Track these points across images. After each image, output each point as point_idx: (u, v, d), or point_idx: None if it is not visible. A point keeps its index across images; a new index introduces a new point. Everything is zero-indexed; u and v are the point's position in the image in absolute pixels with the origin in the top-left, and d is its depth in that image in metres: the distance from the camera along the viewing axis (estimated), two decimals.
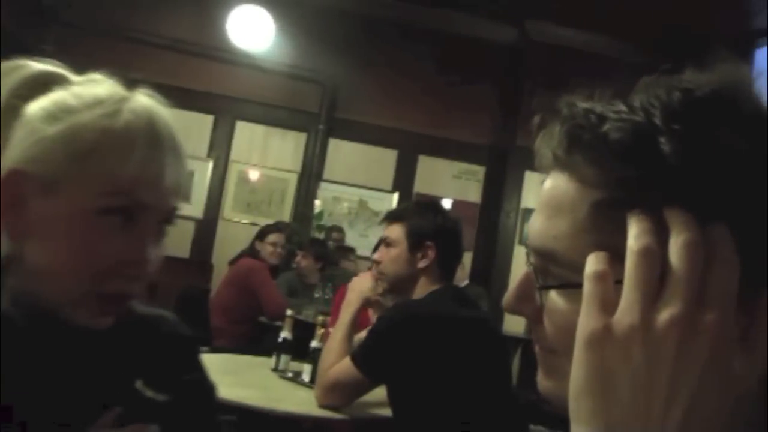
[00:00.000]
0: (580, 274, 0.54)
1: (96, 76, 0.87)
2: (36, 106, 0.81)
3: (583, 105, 0.57)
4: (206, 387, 1.02)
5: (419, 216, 2.36)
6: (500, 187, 6.60)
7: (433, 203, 2.58)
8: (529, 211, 6.36)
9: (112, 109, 0.80)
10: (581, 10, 5.85)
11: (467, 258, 6.40)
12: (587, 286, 0.50)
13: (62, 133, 0.78)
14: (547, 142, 0.60)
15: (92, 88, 0.83)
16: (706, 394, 0.46)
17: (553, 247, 0.57)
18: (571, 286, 0.56)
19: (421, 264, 2.32)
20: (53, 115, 0.80)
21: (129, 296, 0.84)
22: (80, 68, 0.87)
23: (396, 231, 2.37)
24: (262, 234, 4.99)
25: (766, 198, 0.50)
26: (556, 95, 0.60)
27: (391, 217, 2.45)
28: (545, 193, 0.60)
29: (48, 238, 0.80)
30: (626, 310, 0.48)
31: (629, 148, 0.53)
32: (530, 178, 6.38)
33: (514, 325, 5.37)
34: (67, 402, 0.83)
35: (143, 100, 0.84)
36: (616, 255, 0.53)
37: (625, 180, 0.53)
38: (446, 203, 6.68)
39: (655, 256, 0.48)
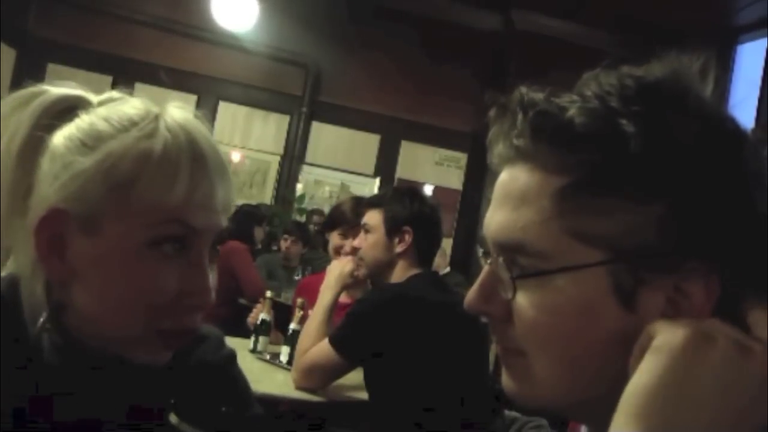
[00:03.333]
0: (551, 261, 0.55)
1: (115, 94, 0.79)
2: (63, 137, 0.72)
3: (541, 95, 0.58)
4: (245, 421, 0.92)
5: (396, 202, 2.38)
6: (482, 175, 6.60)
7: (411, 189, 2.59)
8: None
9: (148, 129, 0.72)
10: (567, 0, 5.85)
11: (447, 245, 6.42)
12: None
13: (99, 164, 0.70)
14: (505, 135, 0.59)
15: (120, 107, 0.75)
16: None
17: (522, 238, 0.57)
18: (544, 274, 0.56)
19: (399, 249, 2.34)
20: (85, 144, 0.71)
21: (191, 330, 0.76)
22: (62, 44, 0.80)
23: (374, 217, 2.40)
24: (260, 219, 4.98)
25: (712, 177, 0.53)
26: (538, 84, 0.61)
27: (370, 204, 2.49)
28: (505, 186, 0.60)
29: (97, 280, 0.72)
30: None
31: (595, 132, 0.54)
32: None
33: None
34: None
35: (177, 115, 0.75)
36: (582, 238, 0.55)
37: (588, 163, 0.54)
38: (428, 189, 6.69)
39: None
